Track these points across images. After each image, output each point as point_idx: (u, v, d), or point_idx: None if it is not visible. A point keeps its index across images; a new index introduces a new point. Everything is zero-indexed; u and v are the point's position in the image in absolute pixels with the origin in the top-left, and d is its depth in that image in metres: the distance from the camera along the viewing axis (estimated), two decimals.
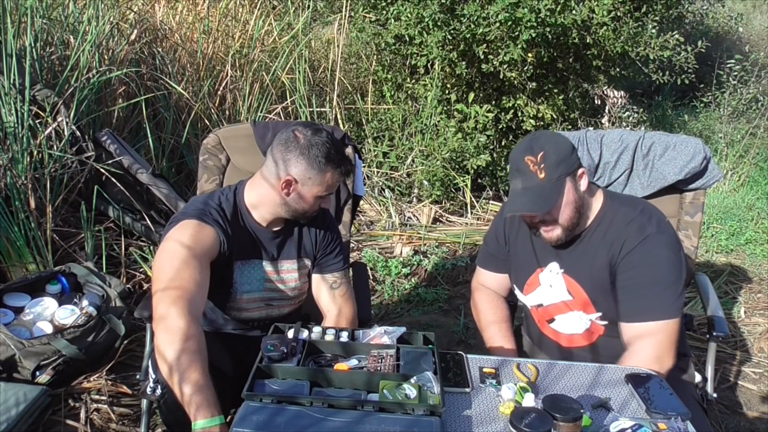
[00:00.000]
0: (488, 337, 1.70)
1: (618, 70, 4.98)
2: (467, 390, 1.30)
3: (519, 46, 3.99)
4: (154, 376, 1.49)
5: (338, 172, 1.53)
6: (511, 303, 1.84)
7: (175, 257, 1.38)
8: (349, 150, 2.10)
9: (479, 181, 4.61)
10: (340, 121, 4.26)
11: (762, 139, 5.72)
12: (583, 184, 1.48)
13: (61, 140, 2.81)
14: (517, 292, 1.69)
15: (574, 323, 1.59)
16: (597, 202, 1.54)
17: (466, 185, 4.31)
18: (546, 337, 1.67)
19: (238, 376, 1.46)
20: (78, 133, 2.88)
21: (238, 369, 1.54)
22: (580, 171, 1.48)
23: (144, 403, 1.77)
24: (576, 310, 1.57)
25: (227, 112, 3.85)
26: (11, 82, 2.67)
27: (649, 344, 1.44)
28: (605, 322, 1.56)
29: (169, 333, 1.25)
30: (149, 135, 3.31)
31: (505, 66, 4.20)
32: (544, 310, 1.63)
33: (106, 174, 2.83)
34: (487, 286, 1.80)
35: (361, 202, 3.63)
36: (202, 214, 1.49)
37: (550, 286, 1.59)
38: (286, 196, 1.52)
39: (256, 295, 1.62)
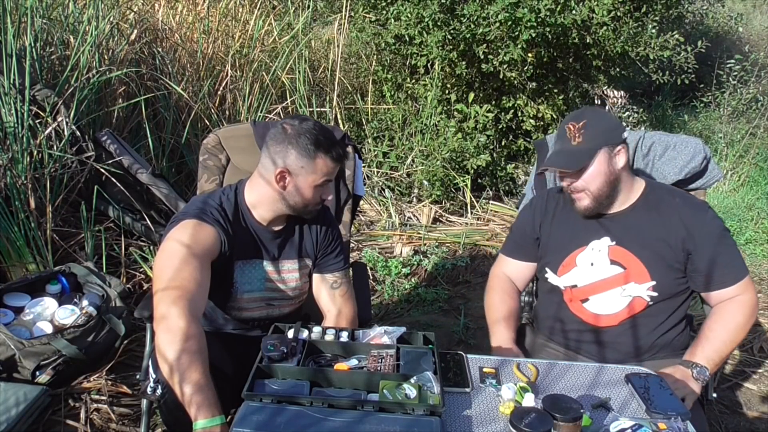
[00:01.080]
0: (493, 332, 1.72)
1: (618, 70, 4.98)
2: (467, 390, 1.30)
3: (519, 46, 3.99)
4: (154, 376, 1.49)
5: (329, 157, 1.51)
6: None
7: (176, 257, 1.38)
8: (349, 150, 2.10)
9: (479, 181, 4.61)
10: (340, 121, 4.26)
11: (762, 139, 5.72)
12: (620, 160, 1.57)
13: (61, 140, 2.81)
14: (549, 274, 1.71)
15: (612, 302, 1.62)
16: (640, 184, 1.65)
17: (466, 185, 4.31)
18: (572, 315, 1.68)
19: (238, 376, 1.46)
20: (78, 133, 2.88)
21: (238, 369, 1.53)
22: (618, 147, 1.57)
23: (144, 403, 1.77)
24: (623, 284, 1.60)
25: (227, 112, 3.85)
26: (11, 82, 2.67)
27: (750, 295, 1.58)
28: (655, 294, 1.59)
29: (170, 333, 1.25)
30: (149, 135, 3.30)
31: (505, 66, 4.20)
32: (579, 291, 1.65)
33: (106, 174, 2.82)
34: (508, 275, 1.82)
35: (361, 202, 3.63)
36: (203, 213, 1.49)
37: (591, 265, 1.63)
38: (283, 189, 1.52)
39: (256, 294, 1.62)
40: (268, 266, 1.61)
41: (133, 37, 3.56)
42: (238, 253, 1.56)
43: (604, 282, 1.62)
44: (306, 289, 1.72)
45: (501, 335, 1.68)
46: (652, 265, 1.59)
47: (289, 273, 1.65)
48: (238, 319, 1.65)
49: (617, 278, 1.61)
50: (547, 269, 1.72)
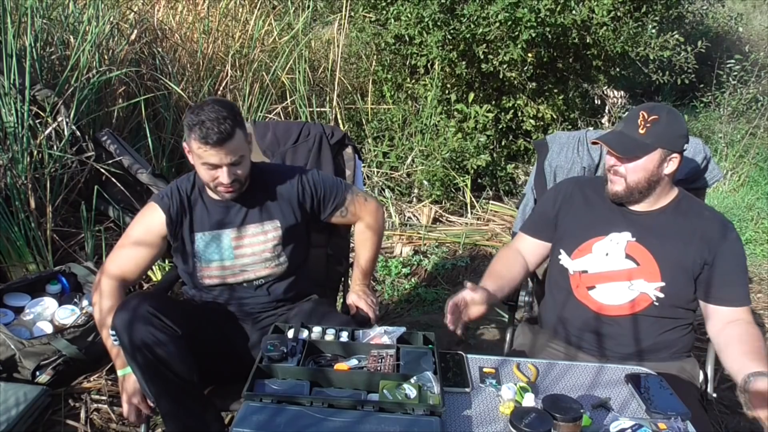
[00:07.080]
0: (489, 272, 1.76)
1: (618, 70, 4.98)
2: (467, 390, 1.30)
3: (519, 46, 3.99)
4: None
5: (198, 137, 1.49)
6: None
7: (124, 237, 1.68)
8: (348, 150, 2.10)
9: (479, 181, 4.61)
10: (340, 121, 4.26)
11: (762, 139, 5.72)
12: (670, 167, 1.58)
13: (61, 140, 2.81)
14: (562, 255, 1.71)
15: (618, 293, 1.62)
16: (674, 192, 1.66)
17: (466, 185, 4.31)
18: (577, 302, 1.67)
19: (228, 354, 1.63)
20: (78, 133, 2.88)
21: (226, 347, 1.65)
22: (674, 155, 1.57)
23: None
24: (632, 279, 1.60)
25: None
26: (11, 82, 2.67)
27: (751, 322, 1.55)
28: (661, 295, 1.59)
29: (104, 299, 1.60)
30: (149, 135, 3.30)
31: (505, 66, 4.21)
32: (588, 277, 1.66)
33: (106, 174, 2.83)
34: (520, 250, 1.82)
35: None
36: (159, 196, 1.67)
37: (605, 255, 1.64)
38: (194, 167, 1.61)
39: (227, 263, 1.67)
40: (232, 233, 1.66)
41: (133, 37, 3.55)
42: (199, 225, 1.65)
43: (613, 273, 1.62)
44: (280, 251, 1.71)
45: (494, 275, 1.72)
46: (666, 266, 1.58)
47: (254, 237, 1.68)
48: (210, 287, 1.70)
49: (627, 272, 1.61)
50: (561, 250, 1.72)
